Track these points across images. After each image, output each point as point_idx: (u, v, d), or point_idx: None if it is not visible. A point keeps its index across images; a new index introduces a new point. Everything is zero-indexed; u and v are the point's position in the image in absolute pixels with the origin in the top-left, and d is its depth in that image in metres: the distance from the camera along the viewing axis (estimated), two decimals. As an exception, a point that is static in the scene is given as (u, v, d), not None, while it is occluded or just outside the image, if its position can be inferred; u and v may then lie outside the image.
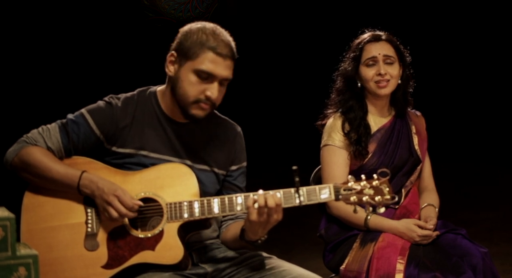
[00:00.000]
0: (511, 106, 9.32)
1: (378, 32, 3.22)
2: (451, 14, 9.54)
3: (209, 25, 2.56)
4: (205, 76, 2.49)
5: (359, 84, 3.18)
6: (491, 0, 9.38)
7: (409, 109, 3.31)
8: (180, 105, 2.55)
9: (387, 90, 3.15)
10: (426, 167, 3.30)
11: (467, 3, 9.45)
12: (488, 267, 2.96)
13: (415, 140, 3.25)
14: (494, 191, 7.03)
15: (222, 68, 2.50)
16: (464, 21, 9.51)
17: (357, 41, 3.21)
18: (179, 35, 2.57)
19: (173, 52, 2.55)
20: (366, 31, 3.25)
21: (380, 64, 3.13)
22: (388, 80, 3.13)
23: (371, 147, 3.16)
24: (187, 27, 2.57)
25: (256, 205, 2.40)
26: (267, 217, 2.41)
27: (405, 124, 3.26)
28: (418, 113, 3.35)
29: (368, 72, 3.14)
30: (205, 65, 2.48)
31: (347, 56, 3.23)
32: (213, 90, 2.50)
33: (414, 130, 3.27)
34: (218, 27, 2.57)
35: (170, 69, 2.55)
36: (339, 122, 3.17)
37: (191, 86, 2.50)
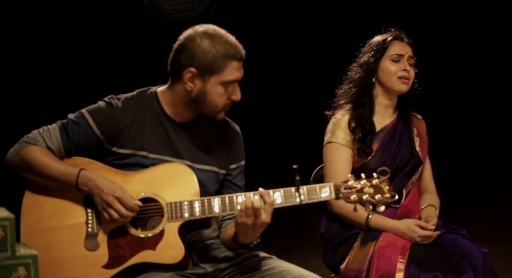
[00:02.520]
0: (511, 106, 9.32)
1: (402, 32, 3.26)
2: (450, 14, 9.54)
3: (211, 30, 2.54)
4: (231, 84, 2.55)
5: (373, 79, 3.19)
6: (491, 1, 9.38)
7: (412, 112, 3.33)
8: (206, 115, 2.59)
9: (406, 87, 3.17)
10: (427, 169, 3.31)
11: (467, 4, 9.45)
12: (488, 267, 2.97)
13: (417, 142, 3.26)
14: (494, 191, 7.03)
15: (242, 70, 2.57)
16: (463, 21, 9.51)
17: (383, 36, 3.24)
18: (188, 49, 2.50)
19: (190, 68, 2.51)
20: (391, 30, 3.29)
21: (405, 62, 3.17)
22: (409, 79, 3.17)
23: (374, 146, 3.17)
24: (196, 39, 2.51)
25: (242, 207, 2.41)
26: (254, 219, 2.41)
27: (407, 126, 3.27)
28: (419, 116, 3.36)
29: (392, 67, 3.16)
30: (232, 75, 2.53)
31: (367, 49, 3.24)
32: (238, 93, 2.58)
33: (415, 132, 3.28)
34: (219, 29, 2.57)
35: (190, 85, 2.53)
36: (344, 120, 3.17)
37: (220, 98, 2.54)
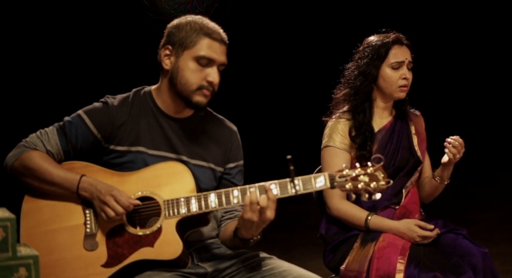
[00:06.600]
0: (511, 106, 9.32)
1: (400, 35, 3.22)
2: (451, 13, 9.54)
3: (195, 16, 2.63)
4: (205, 62, 2.54)
5: (373, 85, 3.18)
6: (491, 0, 9.38)
7: (408, 108, 3.32)
8: (182, 96, 2.58)
9: (404, 94, 3.18)
10: (426, 162, 3.30)
11: (467, 2, 9.45)
12: (488, 267, 2.97)
13: (415, 140, 3.26)
14: (494, 191, 7.04)
15: (220, 53, 2.57)
16: (464, 20, 9.51)
17: (381, 39, 3.19)
18: (168, 30, 2.62)
19: (167, 46, 2.59)
20: (390, 31, 3.25)
21: (405, 68, 3.16)
22: (408, 86, 3.17)
23: (373, 148, 3.16)
24: (175, 22, 2.63)
25: (247, 202, 2.41)
26: (259, 214, 2.41)
27: (405, 125, 3.27)
28: (418, 112, 3.36)
29: (394, 75, 3.15)
30: (204, 51, 2.54)
31: (365, 53, 3.19)
32: (214, 75, 2.55)
33: (413, 130, 3.28)
34: (203, 18, 2.63)
35: (167, 63, 2.59)
36: (341, 123, 3.17)
37: (192, 74, 2.54)
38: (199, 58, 2.54)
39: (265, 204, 2.39)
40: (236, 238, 2.56)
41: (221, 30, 2.60)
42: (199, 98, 2.57)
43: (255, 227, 2.46)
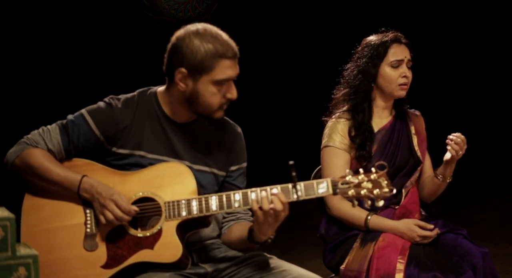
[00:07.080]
0: (511, 105, 9.32)
1: (399, 34, 3.21)
2: (451, 13, 9.54)
3: (203, 29, 2.51)
4: (224, 83, 2.51)
5: (372, 84, 3.18)
6: (491, 0, 9.38)
7: (407, 108, 3.32)
8: (203, 115, 2.56)
9: (404, 93, 3.18)
10: (427, 162, 3.30)
11: (467, 2, 9.45)
12: (488, 267, 2.97)
13: (415, 140, 3.26)
14: (494, 191, 7.03)
15: (235, 68, 2.53)
16: (464, 20, 9.51)
17: (380, 38, 3.19)
18: (179, 47, 2.50)
19: (181, 69, 2.50)
20: (389, 30, 3.24)
21: (404, 67, 3.15)
22: (408, 84, 3.17)
23: (372, 149, 3.16)
24: (185, 39, 2.50)
25: (259, 207, 2.41)
26: (276, 217, 2.41)
27: (405, 125, 3.26)
28: (418, 112, 3.36)
29: (393, 73, 3.14)
30: (222, 74, 2.49)
31: (364, 53, 3.19)
32: (233, 92, 2.53)
33: (413, 130, 3.28)
34: (210, 27, 2.54)
35: (182, 85, 2.52)
36: (341, 123, 3.17)
37: (213, 97, 2.51)
38: (220, 81, 2.50)
39: (281, 208, 2.39)
40: (252, 242, 2.55)
41: (231, 42, 2.52)
42: (219, 114, 2.57)
43: (271, 228, 2.47)
